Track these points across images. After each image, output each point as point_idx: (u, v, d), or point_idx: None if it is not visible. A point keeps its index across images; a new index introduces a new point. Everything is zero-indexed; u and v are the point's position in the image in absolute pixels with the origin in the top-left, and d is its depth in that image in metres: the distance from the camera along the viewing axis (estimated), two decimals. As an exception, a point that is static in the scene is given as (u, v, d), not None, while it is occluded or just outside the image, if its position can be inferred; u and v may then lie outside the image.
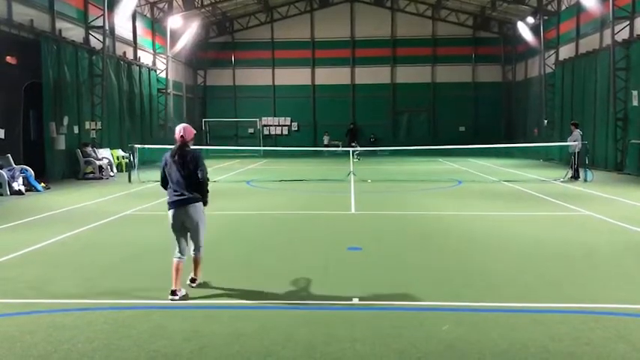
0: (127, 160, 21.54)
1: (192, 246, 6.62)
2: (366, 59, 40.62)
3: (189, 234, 6.52)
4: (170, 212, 6.42)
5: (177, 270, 6.34)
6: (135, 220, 11.82)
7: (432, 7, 39.37)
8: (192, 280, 6.81)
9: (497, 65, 40.58)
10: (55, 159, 20.25)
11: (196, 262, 6.73)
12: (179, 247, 6.48)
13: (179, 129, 6.51)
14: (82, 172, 20.82)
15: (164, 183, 6.54)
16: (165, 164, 6.46)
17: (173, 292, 6.27)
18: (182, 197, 6.33)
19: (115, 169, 22.60)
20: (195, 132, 6.70)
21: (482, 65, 40.53)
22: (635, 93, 20.71)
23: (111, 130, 25.11)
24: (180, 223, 6.40)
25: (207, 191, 6.52)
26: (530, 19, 32.35)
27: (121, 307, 6.05)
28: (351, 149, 26.25)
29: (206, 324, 5.48)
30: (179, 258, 6.44)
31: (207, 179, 6.49)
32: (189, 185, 6.33)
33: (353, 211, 13.06)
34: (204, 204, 6.53)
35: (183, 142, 6.41)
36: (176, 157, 6.35)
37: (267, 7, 39.26)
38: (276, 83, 41.23)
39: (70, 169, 21.02)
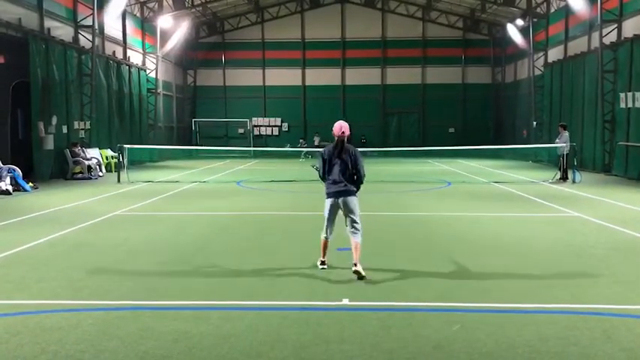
0: (116, 160, 21.44)
1: (352, 234, 7.25)
2: (357, 60, 40.69)
3: (347, 219, 7.32)
4: (329, 201, 7.26)
5: (324, 246, 7.45)
6: (124, 220, 11.76)
7: (422, 8, 39.52)
8: (355, 265, 7.03)
9: (486, 67, 40.81)
10: (44, 159, 20.09)
11: (356, 247, 7.16)
12: (329, 229, 7.40)
13: (340, 125, 7.19)
14: (70, 172, 20.68)
15: (325, 175, 7.31)
16: (326, 158, 7.23)
17: (322, 263, 7.50)
18: (342, 189, 7.16)
19: (103, 170, 22.48)
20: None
21: (472, 67, 40.75)
22: (622, 95, 20.91)
23: (100, 130, 24.96)
24: (336, 211, 7.30)
25: (362, 183, 7.40)
26: (520, 22, 32.57)
27: (110, 307, 6.02)
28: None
29: (195, 325, 5.46)
30: (326, 238, 7.43)
31: (364, 174, 7.34)
32: (349, 178, 7.18)
33: (343, 211, 13.05)
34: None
35: (344, 138, 7.16)
36: (337, 152, 7.16)
37: (258, 7, 39.23)
38: (266, 84, 41.20)
39: (59, 169, 20.87)
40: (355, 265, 7.00)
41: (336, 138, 7.19)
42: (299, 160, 31.03)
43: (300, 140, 37.64)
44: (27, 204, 13.97)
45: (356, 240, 7.20)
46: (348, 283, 6.93)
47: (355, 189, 7.28)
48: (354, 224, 7.28)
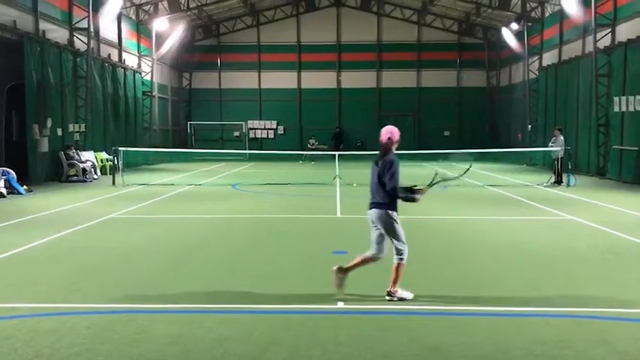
0: (111, 163, 21.38)
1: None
2: (352, 63, 40.76)
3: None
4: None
5: (361, 260, 6.52)
6: (119, 223, 11.72)
7: (417, 12, 39.63)
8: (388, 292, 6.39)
9: (481, 70, 40.95)
10: (38, 161, 20.01)
11: (394, 268, 6.39)
12: (373, 246, 6.54)
13: (385, 130, 6.47)
14: (65, 175, 20.60)
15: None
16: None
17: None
18: (371, 202, 6.46)
19: (98, 172, 22.40)
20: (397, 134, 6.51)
21: (467, 70, 40.88)
22: (616, 99, 21.01)
23: (95, 132, 24.89)
24: (372, 223, 6.52)
25: (398, 197, 6.39)
26: (515, 26, 32.68)
27: (104, 311, 6.00)
28: (333, 152, 26.66)
29: (190, 328, 5.44)
30: (370, 253, 6.54)
31: (395, 187, 6.31)
32: (376, 190, 6.41)
33: (339, 214, 13.08)
34: (390, 208, 6.38)
35: (386, 145, 6.42)
36: (375, 162, 6.47)
37: (254, 10, 39.25)
38: (262, 86, 41.21)
39: (53, 171, 20.79)
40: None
41: (395, 146, 6.51)
42: (299, 162, 31.17)
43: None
44: (21, 207, 13.91)
45: (393, 260, 6.44)
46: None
47: (384, 202, 6.36)
48: (392, 243, 6.47)
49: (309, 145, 37.36)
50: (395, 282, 6.37)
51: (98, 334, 5.25)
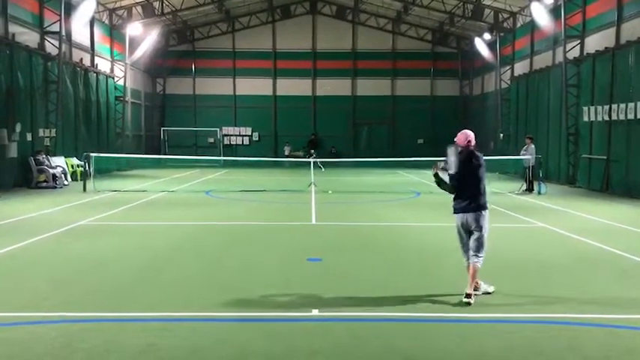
0: (82, 169, 21.03)
1: (474, 256, 6.77)
2: (328, 71, 40.90)
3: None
4: (458, 217, 6.88)
5: (470, 273, 6.72)
6: (89, 230, 11.52)
7: (392, 21, 39.99)
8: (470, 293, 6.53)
9: (454, 80, 41.45)
10: (6, 167, 19.57)
11: (474, 271, 6.66)
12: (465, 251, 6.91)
13: (465, 135, 6.80)
14: (34, 181, 20.18)
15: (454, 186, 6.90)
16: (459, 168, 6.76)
17: (467, 295, 6.52)
18: (470, 203, 6.71)
19: (69, 178, 22.01)
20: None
21: (441, 79, 41.34)
22: (585, 109, 21.48)
23: (66, 137, 24.46)
24: (466, 227, 6.84)
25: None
26: (487, 36, 33.23)
27: (74, 319, 5.88)
28: (312, 160, 26.50)
29: (162, 337, 5.37)
30: (467, 262, 6.85)
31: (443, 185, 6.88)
32: (475, 189, 6.77)
33: (314, 221, 13.08)
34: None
35: (472, 149, 6.77)
36: (465, 163, 6.70)
37: (229, 16, 39.13)
38: (237, 93, 41.04)
39: (22, 177, 20.34)
40: (470, 292, 6.50)
41: (460, 149, 6.73)
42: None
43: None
44: (-12, 213, 13.58)
45: (474, 262, 6.67)
46: (317, 294, 6.91)
47: (482, 202, 6.70)
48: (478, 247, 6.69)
49: (284, 153, 37.38)
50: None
51: (68, 344, 5.15)
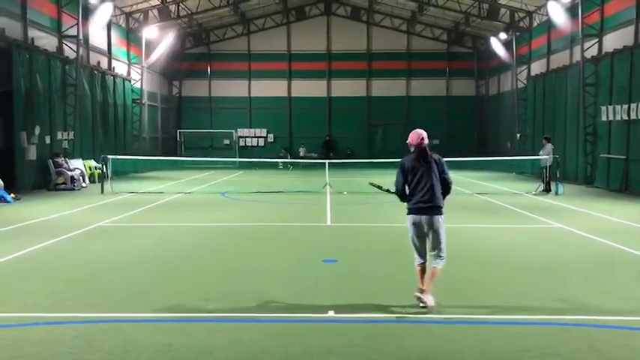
0: (100, 171, 21.25)
1: (435, 257, 6.62)
2: (342, 72, 40.87)
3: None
4: (411, 218, 6.57)
5: (421, 273, 6.58)
6: (107, 232, 11.64)
7: (407, 21, 39.86)
8: (421, 292, 6.41)
9: (470, 79, 41.19)
10: (26, 169, 19.85)
11: (434, 274, 6.53)
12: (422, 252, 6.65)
13: (418, 134, 6.53)
14: (53, 183, 20.45)
15: (403, 190, 6.69)
16: (407, 170, 6.55)
17: (421, 291, 6.46)
18: (432, 205, 6.44)
19: (87, 180, 22.26)
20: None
21: (456, 79, 41.11)
22: (603, 108, 21.23)
23: (83, 140, 24.74)
24: (423, 230, 6.57)
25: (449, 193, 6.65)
26: (503, 35, 32.99)
27: (92, 320, 5.95)
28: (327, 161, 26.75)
29: (179, 337, 5.41)
30: (421, 263, 6.63)
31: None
32: (437, 191, 6.53)
33: (329, 223, 13.08)
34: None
35: (425, 147, 6.53)
36: (421, 162, 6.47)
37: (244, 19, 39.30)
38: (252, 95, 41.19)
39: (41, 179, 20.62)
40: (422, 291, 6.39)
41: (412, 148, 6.52)
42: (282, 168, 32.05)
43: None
44: (8, 215, 13.78)
45: (436, 265, 6.49)
46: (333, 295, 6.92)
47: (441, 205, 6.53)
48: (439, 249, 6.52)
49: (300, 154, 37.67)
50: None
51: (86, 344, 5.21)
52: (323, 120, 40.77)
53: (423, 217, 6.40)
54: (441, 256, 6.51)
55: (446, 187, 6.55)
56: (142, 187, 21.60)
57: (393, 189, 6.80)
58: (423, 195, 6.41)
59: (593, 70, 22.34)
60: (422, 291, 6.42)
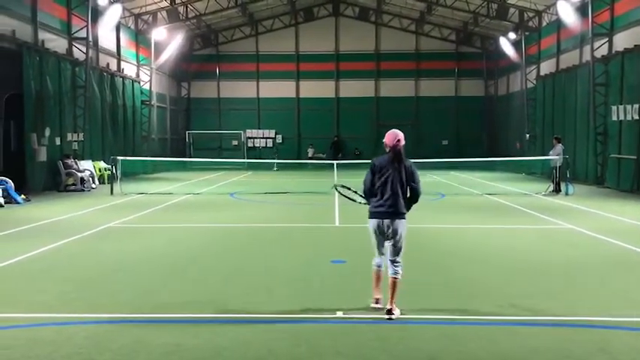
0: (110, 172, 21.37)
1: (392, 264, 6.28)
2: (351, 72, 40.88)
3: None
4: (373, 222, 6.30)
5: (377, 278, 6.38)
6: (116, 232, 11.70)
7: (415, 22, 39.79)
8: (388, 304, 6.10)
9: (479, 80, 41.06)
10: (36, 170, 19.99)
11: (393, 283, 6.16)
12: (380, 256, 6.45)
13: (394, 134, 6.24)
14: (63, 184, 20.58)
15: (369, 192, 6.41)
16: (376, 171, 6.29)
17: (376, 300, 6.30)
18: (393, 210, 6.18)
19: (97, 181, 22.39)
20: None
21: (465, 80, 41.00)
22: (614, 108, 21.08)
23: (93, 141, 24.90)
24: (383, 234, 6.32)
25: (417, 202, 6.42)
26: (512, 35, 32.85)
27: (102, 321, 5.98)
28: (333, 161, 26.78)
29: (188, 338, 5.43)
30: (377, 266, 6.43)
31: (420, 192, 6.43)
32: (400, 197, 6.24)
33: (337, 223, 13.08)
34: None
35: (401, 150, 6.27)
36: (393, 165, 6.20)
37: (252, 20, 39.39)
38: (260, 95, 41.29)
39: (52, 181, 20.76)
40: (377, 301, 6.27)
41: (388, 149, 6.25)
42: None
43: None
44: (19, 216, 13.89)
45: (395, 276, 6.15)
46: (342, 295, 6.91)
47: (404, 211, 6.26)
48: (397, 255, 6.24)
49: (308, 155, 37.79)
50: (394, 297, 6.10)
51: (96, 344, 5.24)
52: (331, 121, 40.79)
53: (385, 221, 6.16)
54: (397, 262, 6.20)
55: (414, 197, 6.29)
56: (151, 188, 21.69)
57: (360, 191, 6.62)
58: (386, 199, 6.15)
59: (603, 70, 22.19)
60: (377, 300, 6.25)
